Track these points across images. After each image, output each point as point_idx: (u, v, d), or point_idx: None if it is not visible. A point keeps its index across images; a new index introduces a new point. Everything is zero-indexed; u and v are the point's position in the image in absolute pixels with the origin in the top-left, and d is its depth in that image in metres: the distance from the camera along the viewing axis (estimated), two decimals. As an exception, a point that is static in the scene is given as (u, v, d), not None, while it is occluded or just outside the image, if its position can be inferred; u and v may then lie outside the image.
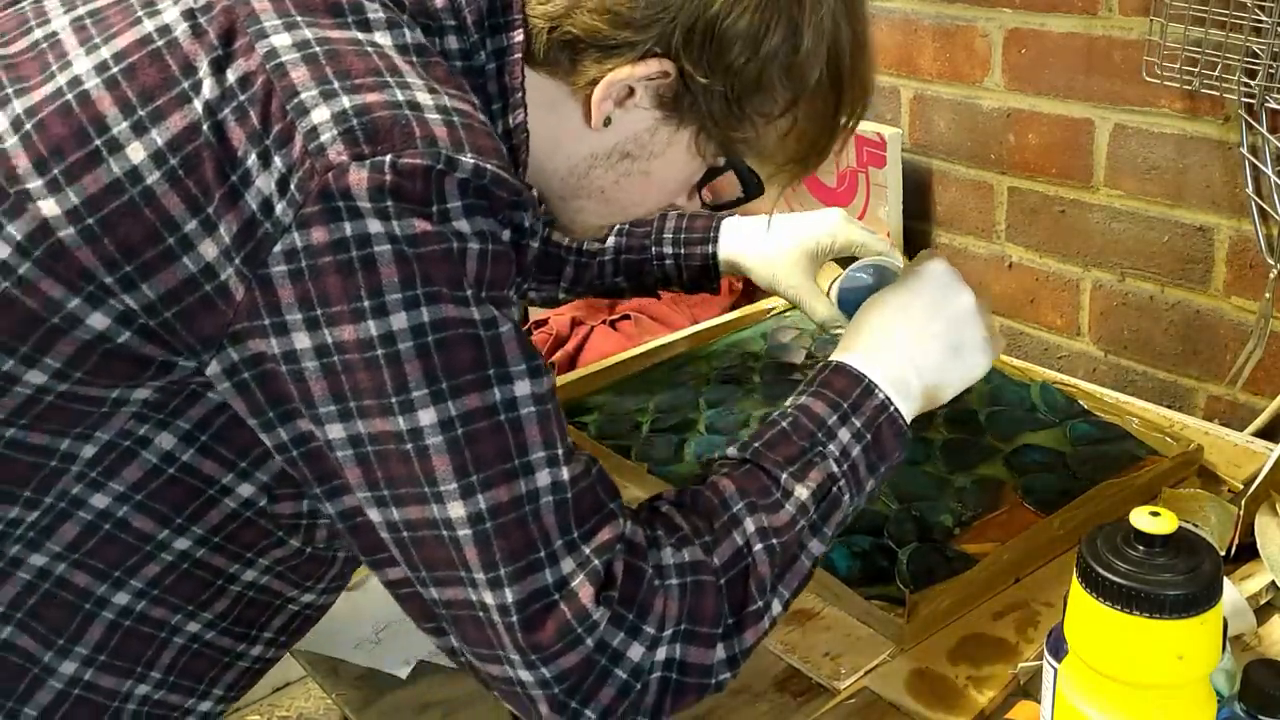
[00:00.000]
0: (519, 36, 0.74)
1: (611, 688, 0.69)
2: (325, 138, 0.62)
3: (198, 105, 0.63)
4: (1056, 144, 1.40)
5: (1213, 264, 1.29)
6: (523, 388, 0.67)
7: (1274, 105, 1.13)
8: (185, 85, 0.64)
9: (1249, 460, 1.15)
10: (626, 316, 1.70)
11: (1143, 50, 1.23)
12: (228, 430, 0.69)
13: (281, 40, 0.65)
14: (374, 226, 0.62)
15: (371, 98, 0.63)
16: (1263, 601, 0.96)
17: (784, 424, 0.81)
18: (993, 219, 1.51)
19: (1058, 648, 0.76)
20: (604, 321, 1.70)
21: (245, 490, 0.72)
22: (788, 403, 0.83)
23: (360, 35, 0.67)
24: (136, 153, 0.63)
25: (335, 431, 0.65)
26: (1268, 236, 1.20)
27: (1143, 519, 0.66)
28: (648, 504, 0.78)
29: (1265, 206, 1.19)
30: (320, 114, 0.62)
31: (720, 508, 0.76)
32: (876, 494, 0.85)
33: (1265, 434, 1.26)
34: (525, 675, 0.68)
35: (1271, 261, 1.20)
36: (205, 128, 0.63)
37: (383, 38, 0.68)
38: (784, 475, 0.78)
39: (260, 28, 0.65)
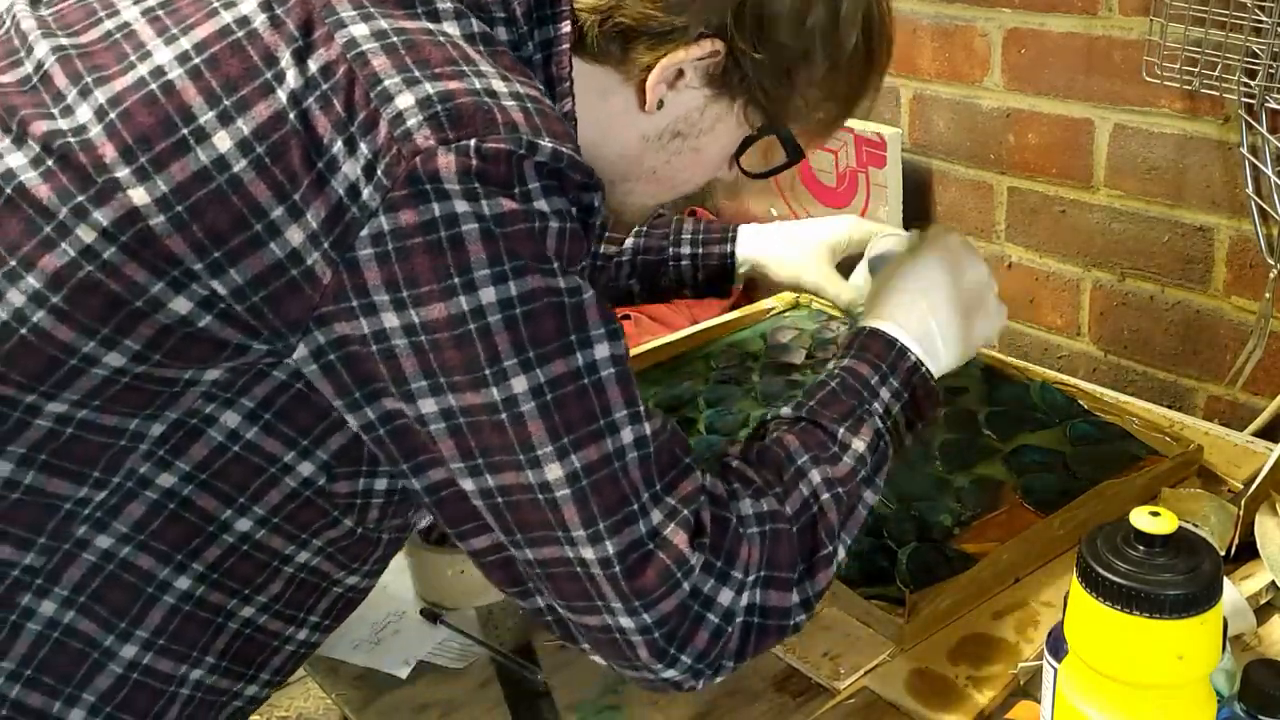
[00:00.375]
0: (566, 28, 0.76)
1: (705, 631, 0.73)
2: (411, 123, 0.64)
3: (282, 95, 0.65)
4: (1056, 144, 1.40)
5: (1213, 264, 1.29)
6: (603, 350, 0.70)
7: (1274, 105, 1.13)
8: (268, 75, 0.66)
9: (1249, 460, 1.15)
10: (626, 316, 1.71)
11: (1143, 50, 1.23)
12: (290, 408, 0.71)
13: (360, 30, 0.67)
14: (461, 207, 0.64)
15: (453, 85, 0.65)
16: (1263, 601, 0.96)
17: (833, 384, 0.86)
18: (993, 219, 1.51)
19: (1058, 648, 0.76)
20: (604, 321, 1.70)
21: (305, 469, 0.73)
22: (831, 365, 0.89)
23: (431, 25, 0.69)
24: (223, 141, 0.64)
25: (427, 406, 0.67)
26: (1268, 236, 1.20)
27: (1143, 519, 0.66)
28: (719, 461, 0.82)
29: (1265, 206, 1.19)
30: (405, 100, 0.64)
31: (786, 461, 0.80)
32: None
33: (1265, 434, 1.26)
34: (626, 622, 0.71)
35: (1271, 261, 1.20)
36: (291, 116, 0.65)
37: (451, 28, 0.70)
38: (840, 430, 0.83)
39: (338, 18, 0.67)
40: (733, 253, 1.22)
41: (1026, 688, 0.89)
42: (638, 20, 0.75)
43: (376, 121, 0.64)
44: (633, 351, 1.44)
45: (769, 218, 1.71)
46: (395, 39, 0.67)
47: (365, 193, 0.64)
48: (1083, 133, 1.36)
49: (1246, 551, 0.99)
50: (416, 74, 0.65)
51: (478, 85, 0.66)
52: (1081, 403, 1.24)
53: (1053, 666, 0.75)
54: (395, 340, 0.65)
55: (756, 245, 1.22)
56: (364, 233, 0.64)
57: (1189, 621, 0.64)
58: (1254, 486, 0.99)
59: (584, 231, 0.71)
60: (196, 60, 0.66)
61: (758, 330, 1.50)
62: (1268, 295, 1.21)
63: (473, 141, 0.64)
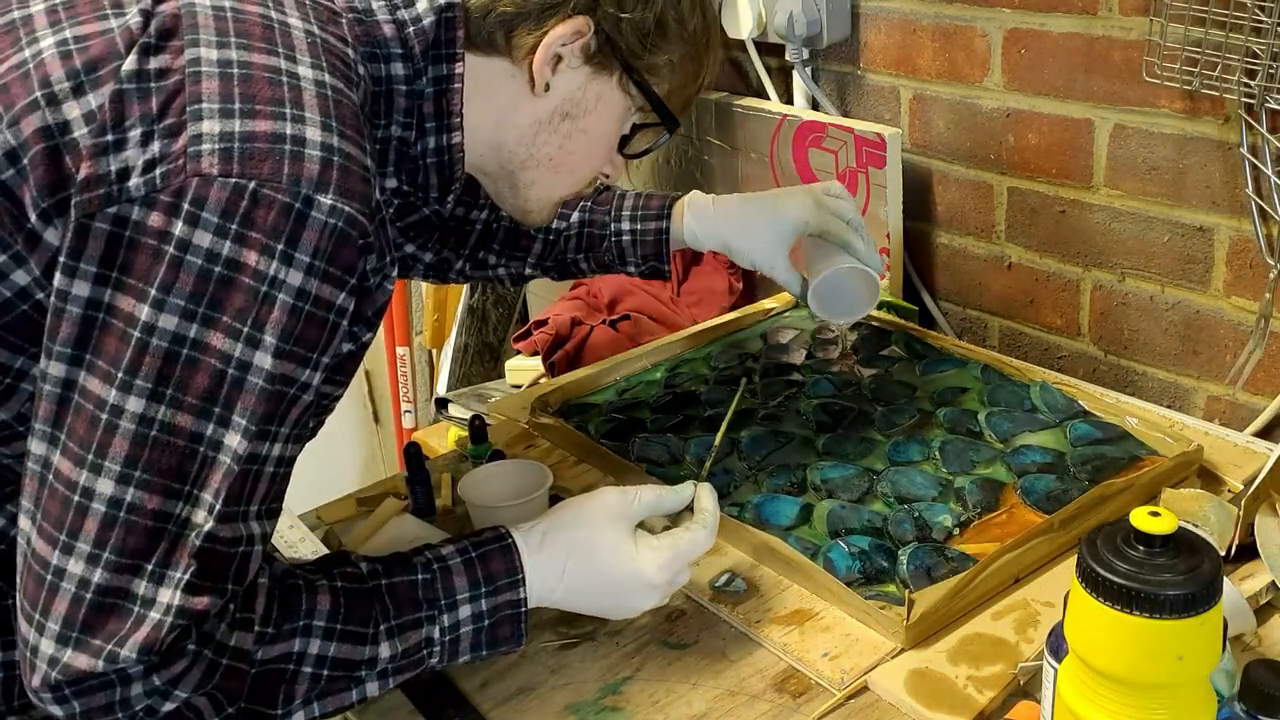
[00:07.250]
0: (459, 68, 0.86)
1: (103, 697, 0.71)
2: (206, 147, 0.69)
3: (121, 72, 0.72)
4: (1056, 144, 1.40)
5: (1213, 264, 1.29)
6: (235, 440, 0.72)
7: (1274, 105, 1.13)
8: (117, 59, 0.72)
9: (1249, 460, 1.15)
10: (626, 317, 1.70)
11: (1143, 50, 1.23)
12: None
13: (208, 54, 0.72)
14: (201, 239, 0.69)
15: (261, 125, 0.70)
16: (1263, 601, 0.96)
17: (422, 576, 0.84)
18: (992, 219, 1.51)
19: (1058, 648, 0.76)
20: (604, 321, 1.70)
21: None
22: (443, 549, 0.87)
23: (284, 65, 0.74)
24: (72, 110, 0.71)
25: (55, 369, 0.70)
26: (1268, 236, 1.20)
27: (1143, 519, 0.66)
28: (268, 565, 0.79)
29: (1265, 206, 1.19)
30: (211, 126, 0.70)
31: (303, 614, 0.79)
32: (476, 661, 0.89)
33: (1265, 434, 1.26)
34: (46, 646, 0.71)
35: (1271, 261, 1.20)
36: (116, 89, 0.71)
37: (305, 70, 0.74)
38: (384, 626, 0.81)
39: (195, 38, 0.73)
40: (668, 229, 1.25)
41: (1026, 688, 0.89)
42: (517, 6, 0.86)
43: (179, 132, 0.69)
44: (633, 352, 1.44)
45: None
46: (235, 70, 0.72)
47: (134, 181, 0.69)
48: (1083, 133, 1.36)
49: (1246, 551, 0.99)
50: (236, 106, 0.71)
51: (287, 131, 0.71)
52: (1081, 403, 1.24)
53: (1053, 666, 0.76)
54: (71, 305, 0.69)
55: (712, 224, 1.24)
56: (111, 209, 0.68)
57: (1189, 621, 0.64)
58: (1254, 486, 0.99)
59: (358, 297, 0.75)
60: (72, 46, 0.73)
61: (758, 330, 1.50)
62: (1268, 295, 1.21)
63: (251, 184, 0.69)
